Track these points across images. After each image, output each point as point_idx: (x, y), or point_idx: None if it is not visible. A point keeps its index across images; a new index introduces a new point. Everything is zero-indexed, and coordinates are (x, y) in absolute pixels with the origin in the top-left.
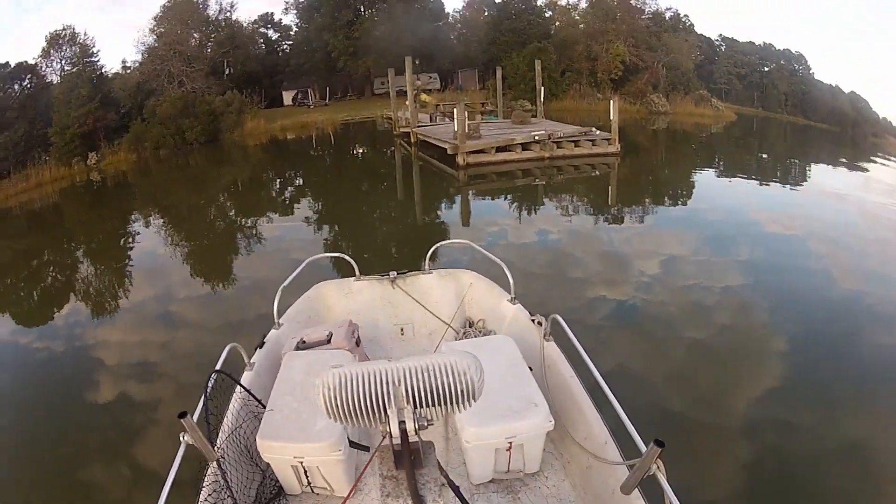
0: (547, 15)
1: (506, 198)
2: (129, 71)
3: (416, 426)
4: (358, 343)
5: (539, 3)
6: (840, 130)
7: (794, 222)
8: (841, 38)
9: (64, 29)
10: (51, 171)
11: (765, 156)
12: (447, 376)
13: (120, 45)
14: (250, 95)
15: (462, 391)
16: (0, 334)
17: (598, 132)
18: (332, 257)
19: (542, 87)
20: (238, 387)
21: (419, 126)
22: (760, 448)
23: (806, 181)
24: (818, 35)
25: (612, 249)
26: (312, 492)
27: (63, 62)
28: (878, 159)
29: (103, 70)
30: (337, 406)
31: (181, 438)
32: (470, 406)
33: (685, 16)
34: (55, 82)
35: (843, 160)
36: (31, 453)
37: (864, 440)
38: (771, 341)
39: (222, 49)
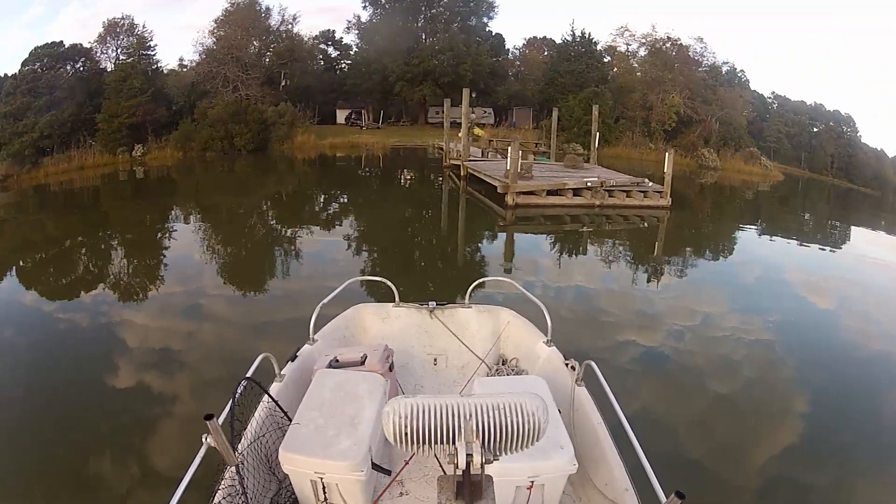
0: (605, 60)
1: (551, 241)
2: (185, 69)
3: (483, 460)
4: (391, 368)
5: (599, 47)
6: (882, 195)
7: (828, 284)
8: (891, 102)
9: (123, 18)
10: (94, 157)
11: (807, 217)
12: (517, 416)
13: (175, 46)
14: (303, 109)
15: (529, 430)
16: (23, 311)
17: (650, 184)
18: (372, 281)
19: (598, 133)
20: (265, 396)
21: (470, 160)
22: None
23: (844, 245)
24: (868, 97)
25: (649, 300)
26: None
27: (119, 51)
28: None
29: (158, 65)
30: (406, 433)
31: (204, 440)
32: (533, 445)
33: (741, 71)
34: (108, 69)
35: (883, 225)
36: (46, 437)
37: None
38: (795, 401)
39: (280, 60)
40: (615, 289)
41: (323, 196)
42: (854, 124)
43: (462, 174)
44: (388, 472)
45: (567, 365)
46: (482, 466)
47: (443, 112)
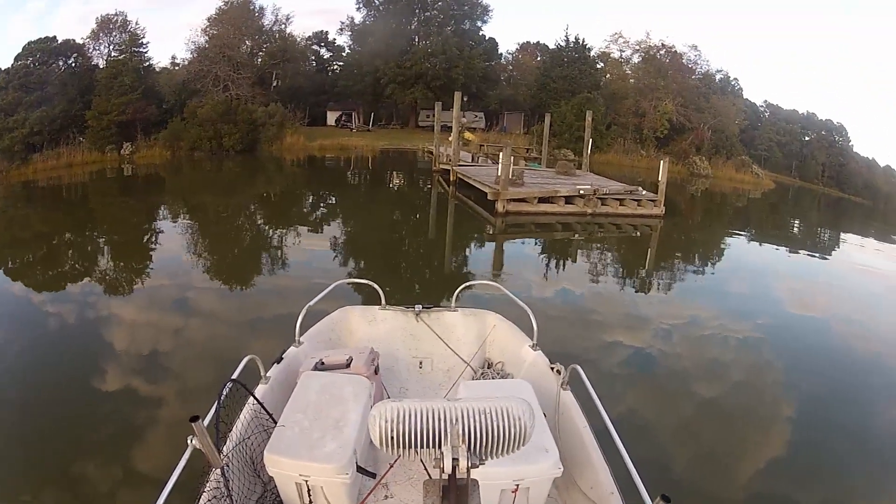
0: (599, 66)
1: (540, 249)
2: (177, 68)
3: (469, 464)
4: (376, 371)
5: (592, 53)
6: (873, 204)
7: (817, 292)
8: (883, 110)
9: (116, 14)
10: (83, 155)
11: (796, 225)
12: (503, 420)
13: (169, 44)
14: (293, 111)
15: (515, 435)
16: (8, 308)
17: (643, 192)
18: (358, 283)
19: (591, 140)
20: (251, 398)
21: (460, 165)
22: None
23: (834, 252)
24: (861, 106)
25: (638, 307)
26: None
27: (111, 47)
28: None
29: (150, 62)
30: (392, 437)
31: (189, 441)
32: (519, 449)
33: (735, 79)
34: (100, 66)
35: (873, 234)
36: (33, 439)
37: None
38: (782, 407)
39: (272, 60)
40: (604, 296)
41: (311, 198)
42: (846, 133)
43: (452, 179)
44: (373, 476)
45: (553, 369)
46: (468, 471)
47: (433, 115)
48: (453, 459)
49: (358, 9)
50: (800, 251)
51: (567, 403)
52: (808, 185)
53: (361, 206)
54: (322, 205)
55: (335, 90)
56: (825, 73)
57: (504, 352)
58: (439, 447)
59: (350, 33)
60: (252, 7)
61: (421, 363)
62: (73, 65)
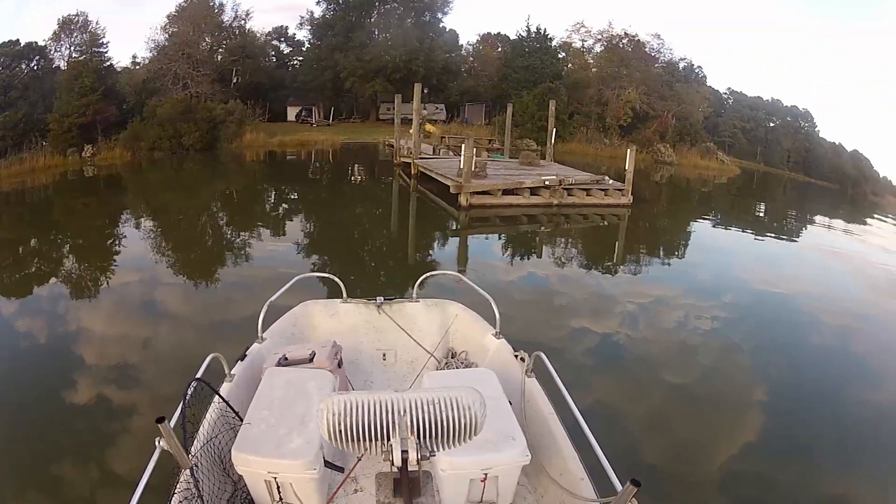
0: (560, 56)
1: (505, 242)
2: (137, 67)
3: (419, 456)
4: (340, 365)
5: (554, 43)
6: (840, 188)
7: (783, 275)
8: (849, 95)
9: (77, 14)
10: (45, 159)
11: (762, 210)
12: (452, 410)
13: (132, 44)
14: (253, 107)
15: (465, 425)
16: None
17: (610, 181)
18: (320, 277)
19: (554, 129)
20: (216, 397)
21: (421, 157)
22: (735, 501)
23: (800, 236)
24: (827, 92)
25: (605, 296)
26: None
27: (72, 48)
28: (874, 219)
29: (111, 62)
30: (340, 431)
31: (157, 443)
32: (471, 440)
33: (699, 67)
34: (62, 68)
35: (841, 218)
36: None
37: (840, 499)
38: (751, 391)
39: (232, 57)
40: (570, 286)
41: (272, 195)
42: (812, 119)
43: (413, 173)
44: (342, 470)
45: (517, 357)
46: (419, 463)
47: (394, 108)
48: (403, 451)
49: (318, 3)
50: (767, 237)
51: (532, 391)
52: (774, 170)
53: (322, 201)
54: (283, 201)
55: (295, 85)
56: (793, 63)
57: (467, 341)
58: (389, 439)
59: (310, 27)
60: (212, 4)
61: (385, 355)
62: (36, 68)
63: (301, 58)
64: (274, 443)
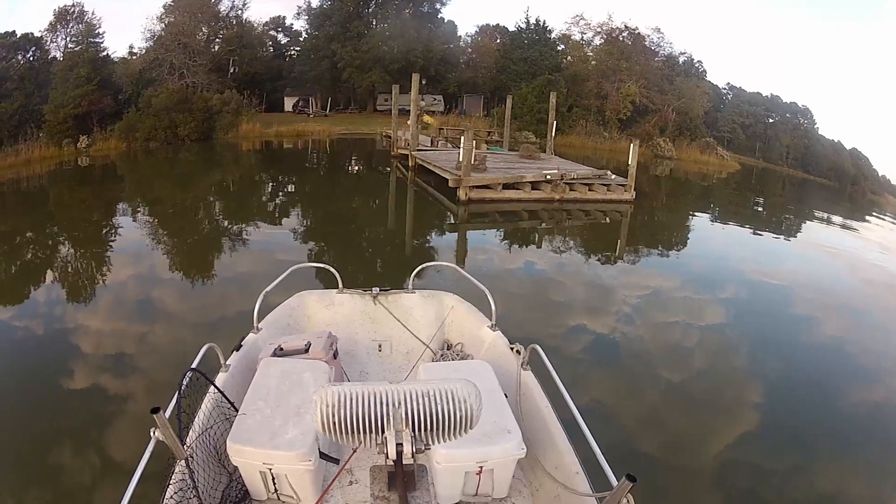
0: (559, 48)
1: (504, 238)
2: (134, 57)
3: (414, 449)
4: (335, 356)
5: (553, 36)
6: (839, 186)
7: (781, 272)
8: (849, 93)
9: (73, 5)
10: (40, 150)
11: (760, 207)
12: (448, 402)
13: (130, 33)
14: (250, 97)
15: (461, 418)
16: None
17: (613, 176)
18: (316, 267)
19: (555, 122)
20: (211, 387)
21: (419, 150)
22: (731, 494)
23: (799, 234)
24: (826, 89)
25: (602, 292)
26: (279, 499)
27: (68, 39)
28: (873, 217)
29: (107, 52)
30: (333, 423)
31: (152, 434)
32: (466, 433)
33: (699, 61)
34: (58, 58)
35: (839, 216)
36: None
37: (834, 491)
38: (747, 387)
39: (229, 47)
40: (568, 282)
41: (268, 186)
42: (811, 116)
43: (410, 164)
44: (337, 461)
45: (512, 349)
46: (413, 456)
47: (391, 99)
48: (397, 444)
49: None
50: (774, 235)
51: (528, 384)
52: (773, 166)
53: (319, 192)
54: (279, 192)
55: (292, 75)
56: (792, 59)
57: (463, 333)
58: (383, 432)
59: (307, 17)
60: None
61: (380, 346)
62: (32, 59)
63: (298, 48)
64: (269, 434)
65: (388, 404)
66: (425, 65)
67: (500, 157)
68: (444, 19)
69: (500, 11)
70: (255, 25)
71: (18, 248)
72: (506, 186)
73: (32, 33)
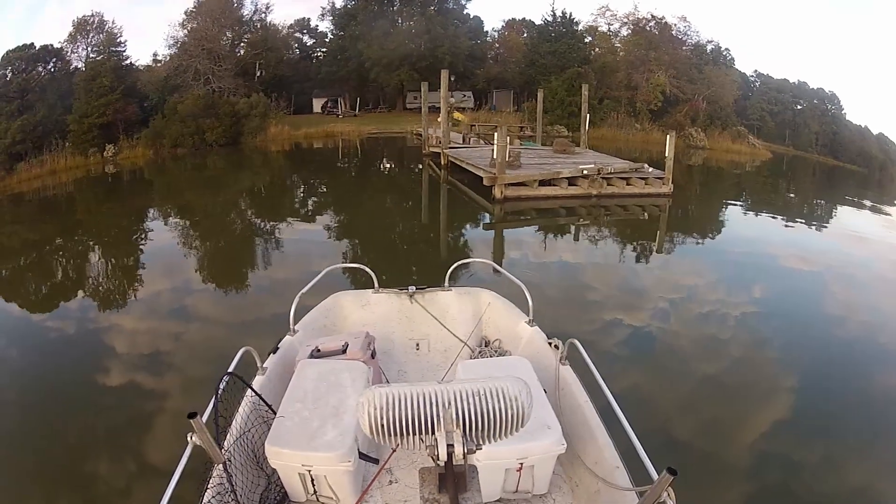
0: (587, 40)
1: (543, 236)
2: (158, 65)
3: (465, 450)
4: (373, 355)
5: (580, 28)
6: (868, 172)
7: (814, 262)
8: (873, 77)
9: (93, 15)
10: (66, 160)
11: (792, 195)
12: (499, 401)
13: (153, 41)
14: (277, 100)
15: (512, 416)
16: (7, 318)
17: (651, 170)
18: (351, 268)
19: (588, 115)
20: (249, 390)
21: (451, 147)
22: (767, 484)
23: (830, 222)
24: (853, 74)
25: (640, 288)
26: (318, 500)
27: (89, 49)
28: None
29: (129, 61)
30: (382, 425)
31: (189, 438)
32: (517, 432)
33: (726, 49)
34: (79, 68)
35: (868, 203)
36: (36, 438)
37: (868, 482)
38: (782, 378)
39: (254, 50)
40: (607, 280)
41: (300, 188)
42: (838, 102)
43: (443, 163)
44: (376, 461)
45: (550, 344)
46: (464, 457)
47: (421, 97)
48: (448, 446)
49: None
50: (796, 222)
51: (566, 379)
52: (803, 154)
53: (351, 193)
54: (311, 194)
55: (319, 77)
56: (818, 45)
57: (500, 329)
58: (433, 433)
59: (332, 18)
60: None
61: (418, 345)
62: (53, 70)
63: (324, 49)
64: (308, 435)
65: (438, 405)
66: (453, 61)
67: (534, 153)
68: (469, 15)
69: (525, 5)
70: (280, 28)
71: (49, 253)
72: (542, 183)
73: (52, 45)
